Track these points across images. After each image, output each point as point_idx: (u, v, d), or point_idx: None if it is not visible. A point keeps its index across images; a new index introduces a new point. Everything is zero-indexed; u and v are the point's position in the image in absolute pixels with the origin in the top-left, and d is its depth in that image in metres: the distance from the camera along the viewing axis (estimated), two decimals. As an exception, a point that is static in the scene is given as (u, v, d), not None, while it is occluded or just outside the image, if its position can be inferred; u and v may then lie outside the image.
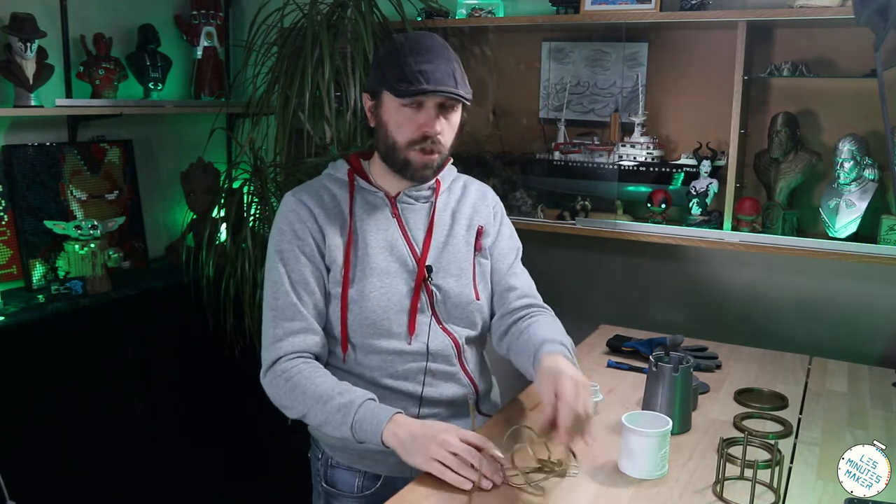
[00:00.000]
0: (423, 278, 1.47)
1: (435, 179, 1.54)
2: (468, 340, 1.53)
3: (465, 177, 1.64)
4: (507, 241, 1.63)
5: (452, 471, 1.24)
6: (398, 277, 1.47)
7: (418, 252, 1.49)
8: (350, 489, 1.52)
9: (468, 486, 1.23)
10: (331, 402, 1.35)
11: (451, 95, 1.38)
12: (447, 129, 1.44)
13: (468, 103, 1.44)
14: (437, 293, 1.49)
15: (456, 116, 1.46)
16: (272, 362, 1.43)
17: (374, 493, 1.50)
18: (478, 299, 1.53)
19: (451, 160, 1.60)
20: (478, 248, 1.56)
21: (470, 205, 1.58)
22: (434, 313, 1.49)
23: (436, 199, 1.54)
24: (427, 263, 1.48)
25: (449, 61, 1.41)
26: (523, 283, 1.61)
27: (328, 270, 1.46)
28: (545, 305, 1.61)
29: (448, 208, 1.56)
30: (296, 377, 1.40)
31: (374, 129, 1.49)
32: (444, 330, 1.50)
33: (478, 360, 1.57)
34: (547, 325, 1.52)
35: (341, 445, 1.51)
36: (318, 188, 1.51)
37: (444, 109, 1.42)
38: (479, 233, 1.57)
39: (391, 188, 1.51)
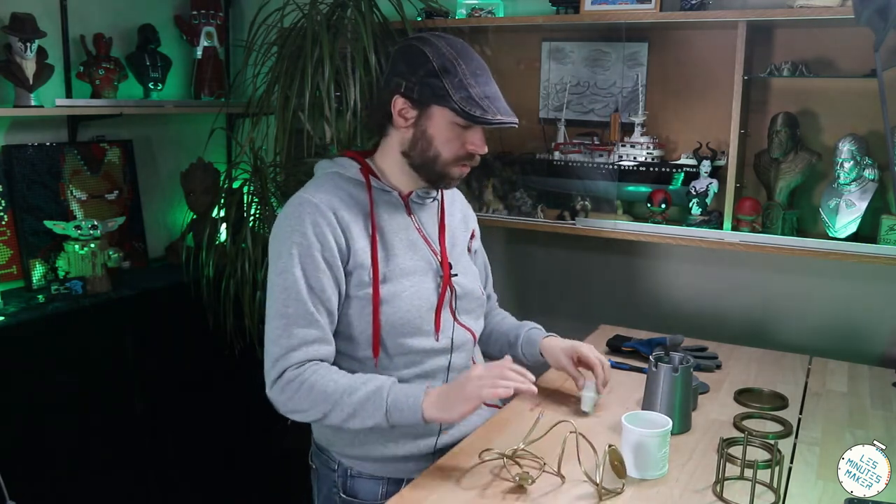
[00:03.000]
0: (449, 275, 1.51)
1: None
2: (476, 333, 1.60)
3: None
4: (482, 251, 1.75)
5: (501, 386, 1.31)
6: (425, 276, 1.49)
7: (436, 250, 1.53)
8: (374, 497, 1.50)
9: (521, 386, 1.32)
10: (357, 393, 1.34)
11: (514, 125, 1.44)
12: None
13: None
14: (458, 289, 1.54)
15: None
16: (281, 373, 1.38)
17: None
18: (481, 294, 1.62)
19: None
20: (468, 249, 1.64)
21: (460, 209, 1.66)
22: (452, 309, 1.53)
23: (442, 198, 1.59)
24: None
25: (494, 82, 1.45)
26: (490, 289, 1.79)
27: (349, 274, 1.43)
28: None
29: (449, 209, 1.62)
30: (311, 378, 1.37)
31: (393, 131, 1.47)
32: (462, 325, 1.55)
33: (497, 358, 1.60)
34: (506, 317, 1.79)
35: (362, 455, 1.49)
36: (334, 188, 1.46)
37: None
38: (473, 236, 1.65)
39: (403, 187, 1.52)
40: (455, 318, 1.53)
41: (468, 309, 1.57)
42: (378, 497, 1.50)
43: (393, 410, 1.32)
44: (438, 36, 1.45)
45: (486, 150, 1.45)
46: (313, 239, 1.39)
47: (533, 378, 1.36)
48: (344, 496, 1.52)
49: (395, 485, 1.47)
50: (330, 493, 1.54)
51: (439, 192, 1.58)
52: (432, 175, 1.46)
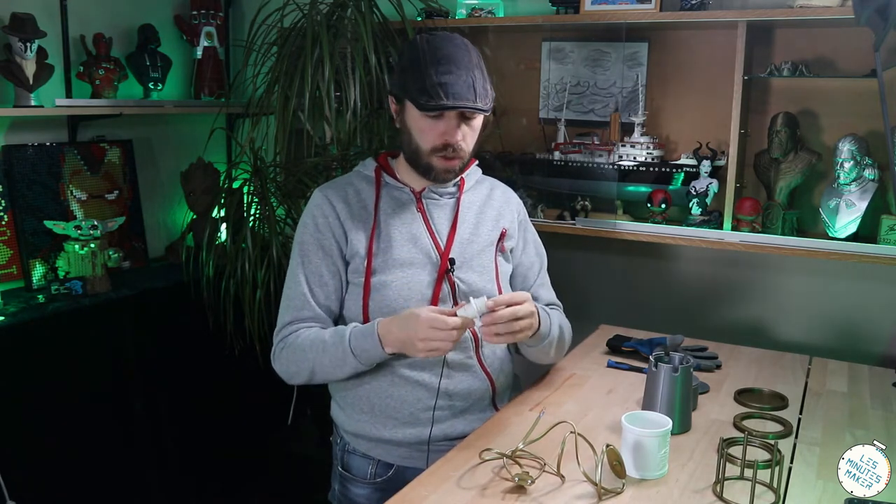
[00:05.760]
0: (445, 269, 1.51)
1: (459, 177, 1.59)
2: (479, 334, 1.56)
3: (490, 178, 1.69)
4: (533, 251, 1.70)
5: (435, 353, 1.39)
6: (421, 269, 1.51)
7: (442, 245, 1.54)
8: (363, 475, 1.58)
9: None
10: (325, 344, 1.46)
11: (469, 110, 1.43)
12: (469, 136, 1.50)
13: (487, 114, 1.48)
14: (461, 285, 1.53)
15: (477, 122, 1.51)
16: (276, 345, 1.54)
17: (385, 481, 1.55)
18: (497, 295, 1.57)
19: (477, 161, 1.66)
20: (501, 250, 1.61)
21: (496, 207, 1.63)
22: (455, 304, 1.53)
23: (460, 195, 1.59)
24: (450, 256, 1.52)
25: (469, 70, 1.44)
26: (549, 293, 1.72)
27: (348, 263, 1.53)
28: (559, 305, 1.75)
29: (473, 207, 1.61)
30: (292, 342, 1.51)
31: (399, 129, 1.55)
32: None
33: (499, 356, 1.60)
34: (551, 313, 1.65)
35: (357, 433, 1.56)
36: (345, 185, 1.58)
37: (465, 118, 1.47)
38: (503, 235, 1.62)
39: (416, 185, 1.57)
40: None
41: None
42: (367, 476, 1.57)
43: (357, 351, 1.43)
44: (433, 33, 1.50)
45: (458, 138, 1.46)
46: (314, 229, 1.53)
47: (453, 328, 1.36)
48: (341, 469, 1.62)
49: (385, 468, 1.56)
50: (334, 464, 1.66)
51: (458, 190, 1.58)
52: (419, 167, 1.52)
